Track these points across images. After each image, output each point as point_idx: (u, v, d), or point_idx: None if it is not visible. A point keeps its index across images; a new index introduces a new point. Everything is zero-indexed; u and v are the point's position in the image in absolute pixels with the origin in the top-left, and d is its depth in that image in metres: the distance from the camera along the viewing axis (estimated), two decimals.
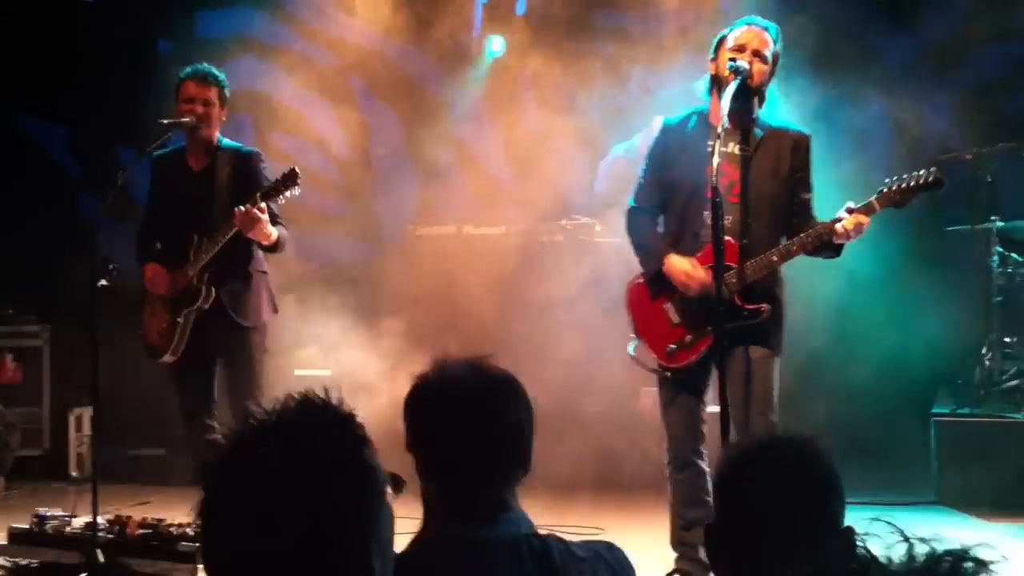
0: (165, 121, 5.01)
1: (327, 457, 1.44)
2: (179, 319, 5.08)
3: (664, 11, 7.73)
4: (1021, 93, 7.30)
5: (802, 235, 4.07)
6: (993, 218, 6.62)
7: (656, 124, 7.55)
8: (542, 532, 2.08)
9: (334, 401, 1.51)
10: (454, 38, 8.51)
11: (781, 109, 4.39)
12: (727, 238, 4.06)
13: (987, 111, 7.18)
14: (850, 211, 3.99)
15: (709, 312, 3.99)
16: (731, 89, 3.98)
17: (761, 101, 4.23)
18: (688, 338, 4.15)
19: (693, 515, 4.11)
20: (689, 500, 4.14)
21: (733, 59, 4.09)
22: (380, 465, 1.50)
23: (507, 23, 8.50)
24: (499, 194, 8.11)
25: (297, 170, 4.89)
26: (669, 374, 4.19)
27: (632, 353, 4.34)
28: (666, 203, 4.28)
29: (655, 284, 4.25)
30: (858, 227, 3.97)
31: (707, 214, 4.08)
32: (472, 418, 2.02)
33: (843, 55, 6.74)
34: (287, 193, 4.87)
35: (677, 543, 4.22)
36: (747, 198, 4.11)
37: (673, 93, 7.16)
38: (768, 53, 4.17)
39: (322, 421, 1.48)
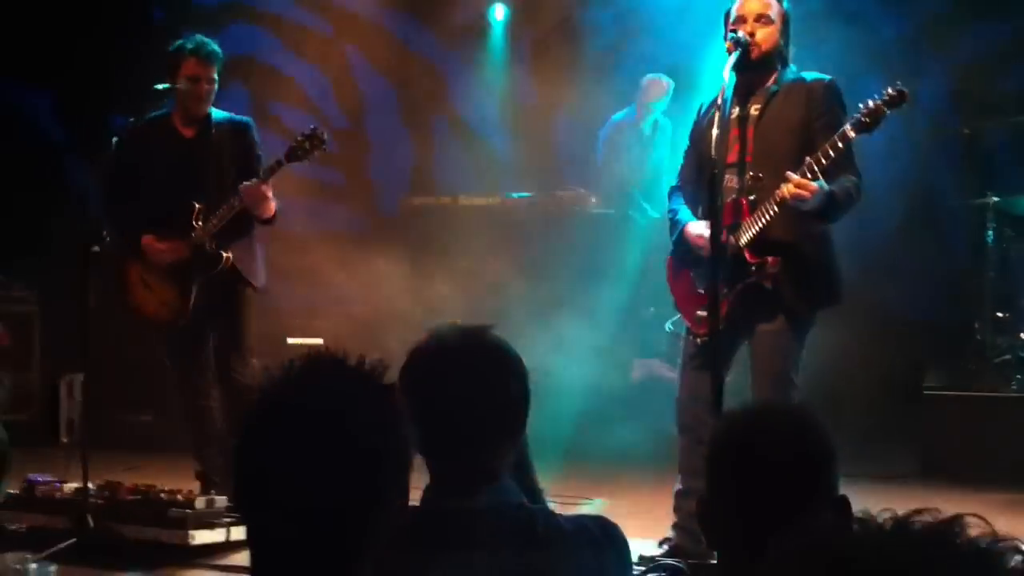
0: (159, 87, 4.96)
1: (361, 409, 1.47)
2: (193, 286, 5.06)
3: None
4: (1017, 68, 7.28)
5: (755, 213, 4.09)
6: (988, 193, 6.62)
7: (648, 84, 7.63)
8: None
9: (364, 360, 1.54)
10: (451, 5, 8.46)
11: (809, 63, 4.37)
12: (741, 198, 4.12)
13: (983, 86, 7.16)
14: (787, 179, 3.96)
15: (726, 275, 4.01)
16: (731, 62, 4.00)
17: (784, 62, 4.22)
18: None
19: (689, 483, 4.10)
20: (687, 467, 4.14)
21: (735, 31, 4.10)
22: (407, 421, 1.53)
23: None
24: (495, 164, 8.10)
25: (319, 129, 4.87)
26: (699, 340, 4.20)
27: (669, 328, 4.41)
28: (700, 177, 4.32)
29: (679, 253, 4.31)
30: (795, 195, 3.93)
31: (728, 177, 4.12)
32: (457, 387, 2.01)
33: (837, 29, 6.69)
34: (315, 154, 4.86)
35: (675, 508, 4.23)
36: (756, 154, 4.12)
37: (673, 64, 7.16)
38: (771, 14, 4.16)
39: (353, 374, 1.51)
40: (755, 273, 4.11)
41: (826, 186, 3.95)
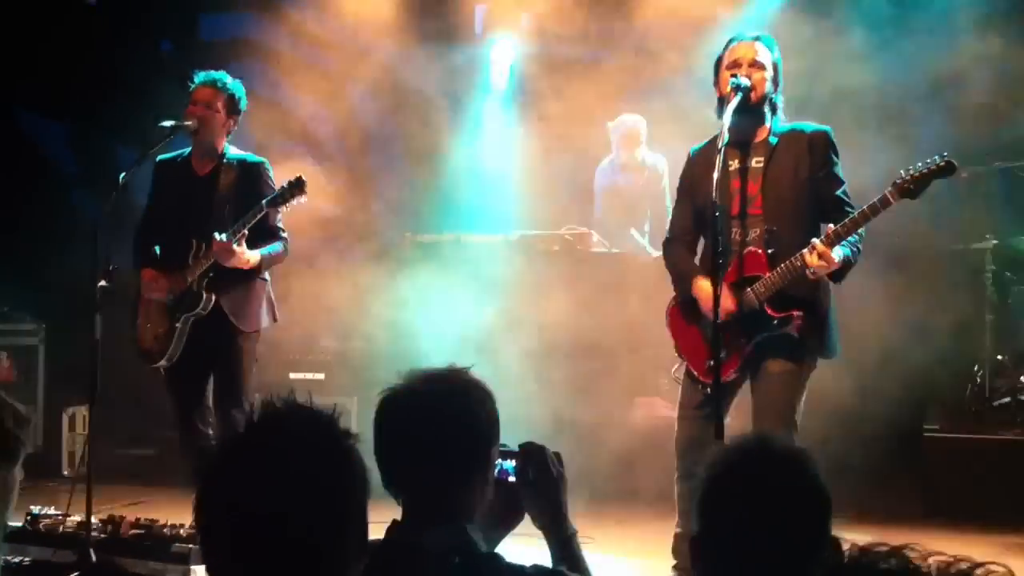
0: (166, 123, 5.02)
1: (312, 451, 1.54)
2: (177, 324, 5.08)
3: (666, 24, 7.76)
4: (1015, 112, 7.34)
5: (782, 265, 4.12)
6: (987, 236, 6.66)
7: (620, 132, 7.70)
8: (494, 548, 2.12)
9: (317, 404, 1.62)
10: (455, 45, 8.54)
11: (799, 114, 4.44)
12: (755, 249, 4.16)
13: (982, 130, 7.22)
14: (812, 248, 4.02)
15: (738, 328, 4.11)
16: (732, 106, 4.06)
17: (774, 110, 4.29)
18: (723, 354, 4.15)
19: (688, 527, 4.12)
20: (686, 511, 4.16)
21: (734, 75, 4.16)
22: (361, 460, 1.59)
23: (510, 31, 8.54)
24: (498, 202, 8.13)
25: (304, 178, 4.93)
26: (708, 389, 4.22)
27: (675, 374, 4.44)
28: (700, 227, 4.37)
29: (688, 305, 4.34)
30: (819, 267, 4.01)
31: (734, 231, 4.18)
32: (412, 430, 2.09)
33: (836, 71, 6.76)
34: (293, 201, 4.91)
35: (675, 551, 4.25)
36: (767, 207, 4.17)
37: (678, 105, 7.22)
38: (764, 61, 4.23)
39: (307, 419, 1.58)
40: (777, 327, 4.15)
41: (840, 256, 4.02)
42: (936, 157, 4.00)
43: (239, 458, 1.55)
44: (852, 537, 1.84)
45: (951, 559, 1.07)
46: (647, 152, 7.87)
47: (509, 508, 2.28)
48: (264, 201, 4.94)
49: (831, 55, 6.72)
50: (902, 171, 4.01)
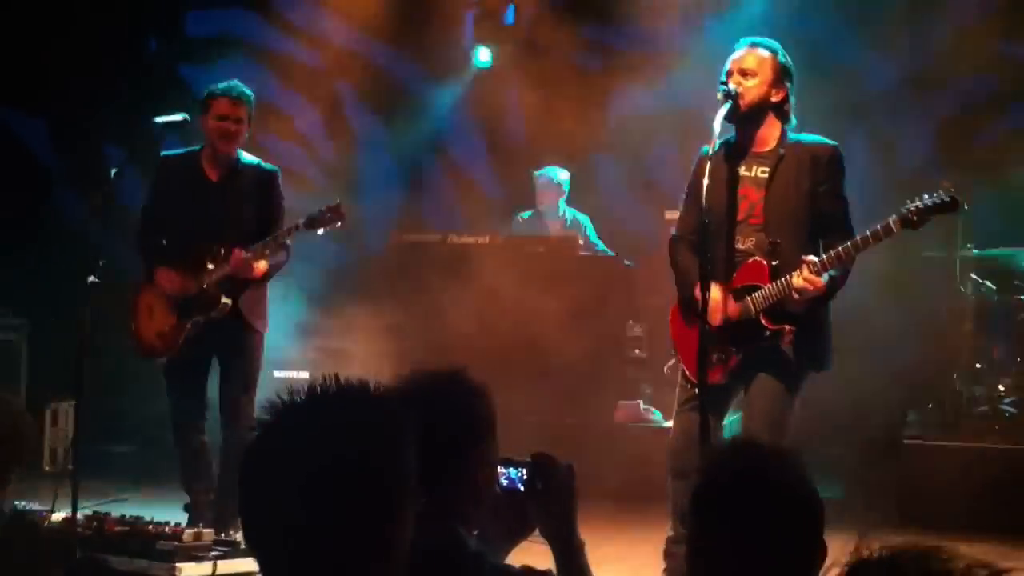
0: (159, 120, 5.02)
1: (373, 433, 1.53)
2: (187, 324, 5.12)
3: (651, 27, 7.80)
4: (999, 122, 7.41)
5: (779, 281, 4.16)
6: (968, 246, 6.72)
7: (539, 185, 7.64)
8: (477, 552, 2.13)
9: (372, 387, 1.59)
10: (443, 45, 8.56)
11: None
12: (760, 259, 4.18)
13: (965, 140, 7.29)
14: (800, 271, 4.06)
15: (732, 334, 4.13)
16: (720, 114, 4.09)
17: (785, 116, 4.29)
18: (715, 357, 4.18)
19: (681, 529, 4.13)
20: (679, 513, 4.18)
21: (724, 84, 4.19)
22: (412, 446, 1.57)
23: (496, 32, 8.56)
24: (483, 203, 8.16)
25: (341, 205, 5.00)
26: (697, 391, 4.25)
27: (667, 370, 4.47)
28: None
29: (687, 306, 4.34)
30: (802, 288, 4.05)
31: (739, 238, 4.21)
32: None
33: (821, 81, 6.81)
34: (328, 226, 4.95)
35: (665, 554, 4.27)
36: (771, 219, 4.19)
37: (657, 108, 7.27)
38: (756, 67, 4.23)
39: (367, 402, 1.58)
40: (769, 339, 4.17)
41: (825, 279, 4.05)
42: (942, 192, 4.03)
43: (290, 436, 1.51)
44: (829, 542, 1.88)
45: (975, 563, 1.11)
46: (566, 208, 7.85)
47: (517, 518, 2.26)
48: (301, 221, 5.01)
49: (813, 53, 6.76)
50: (908, 201, 4.04)
